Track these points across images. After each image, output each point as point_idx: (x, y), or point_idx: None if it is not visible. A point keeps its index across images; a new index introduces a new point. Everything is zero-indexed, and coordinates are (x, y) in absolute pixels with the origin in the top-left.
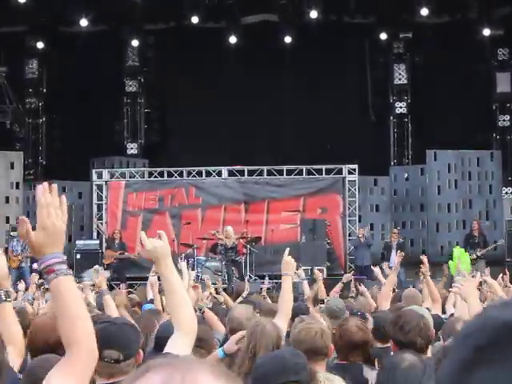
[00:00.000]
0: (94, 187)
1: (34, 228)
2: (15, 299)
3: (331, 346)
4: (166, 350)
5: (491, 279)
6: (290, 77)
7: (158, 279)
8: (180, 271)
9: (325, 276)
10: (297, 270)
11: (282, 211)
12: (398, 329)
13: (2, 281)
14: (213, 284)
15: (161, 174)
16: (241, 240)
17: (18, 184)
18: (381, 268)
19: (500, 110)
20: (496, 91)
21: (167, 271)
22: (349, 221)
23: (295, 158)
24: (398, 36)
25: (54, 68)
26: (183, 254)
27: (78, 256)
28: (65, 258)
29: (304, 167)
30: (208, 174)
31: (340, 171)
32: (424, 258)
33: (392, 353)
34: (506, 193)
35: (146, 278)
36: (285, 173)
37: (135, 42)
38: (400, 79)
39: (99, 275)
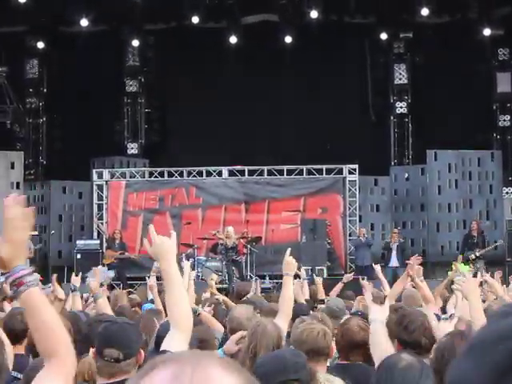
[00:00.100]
0: (95, 187)
1: None
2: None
3: (333, 346)
4: (163, 347)
5: (491, 279)
6: (290, 77)
7: (157, 279)
8: (182, 270)
9: (325, 276)
10: (299, 270)
11: (282, 211)
12: (402, 328)
13: None
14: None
15: (161, 174)
16: (241, 240)
17: (18, 184)
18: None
19: (500, 110)
20: (496, 91)
21: (170, 268)
22: (349, 221)
23: (295, 158)
24: (398, 36)
25: (55, 68)
26: (184, 254)
27: (79, 256)
28: (31, 269)
29: (304, 167)
30: (208, 173)
31: (340, 171)
32: (413, 261)
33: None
34: (507, 193)
35: (146, 278)
36: (285, 173)
37: (135, 42)
38: (400, 79)
39: (94, 279)
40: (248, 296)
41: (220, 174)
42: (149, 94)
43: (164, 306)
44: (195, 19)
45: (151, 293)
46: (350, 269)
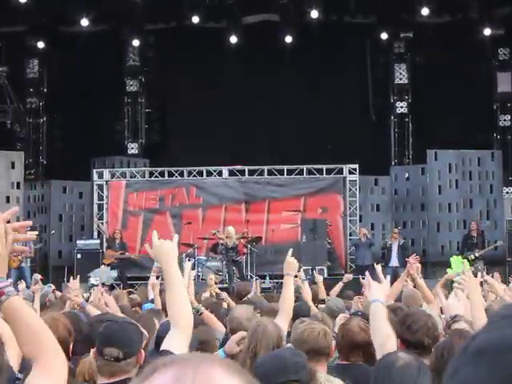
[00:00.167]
0: (95, 187)
1: None
2: None
3: (333, 346)
4: (163, 347)
5: (492, 279)
6: (290, 77)
7: (157, 278)
8: (183, 270)
9: (325, 276)
10: (298, 271)
11: (282, 211)
12: (405, 328)
13: None
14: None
15: (161, 174)
16: (241, 240)
17: (18, 184)
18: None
19: (501, 110)
20: (497, 91)
21: (171, 270)
22: (349, 221)
23: (296, 158)
24: (398, 36)
25: (55, 68)
26: (184, 254)
27: (79, 256)
28: (11, 280)
29: (305, 167)
30: (209, 173)
31: (341, 171)
32: (411, 260)
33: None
34: (507, 192)
35: (146, 278)
36: (285, 172)
37: (136, 42)
38: (401, 79)
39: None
40: (248, 296)
41: (220, 173)
42: (149, 93)
43: (164, 306)
44: (195, 19)
45: (152, 292)
46: (351, 269)
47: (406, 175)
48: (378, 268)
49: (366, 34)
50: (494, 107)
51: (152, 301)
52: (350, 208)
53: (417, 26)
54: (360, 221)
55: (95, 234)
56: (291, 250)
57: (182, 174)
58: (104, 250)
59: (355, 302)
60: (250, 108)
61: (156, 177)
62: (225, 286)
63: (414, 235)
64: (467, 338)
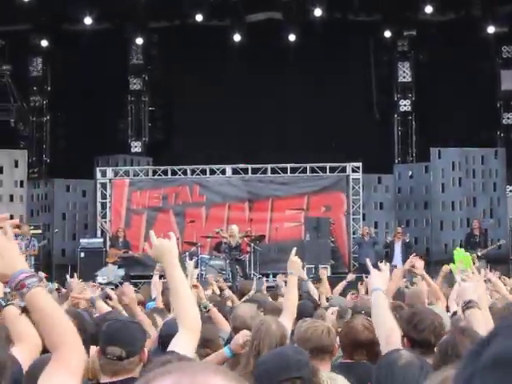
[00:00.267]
0: (98, 185)
1: None
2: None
3: (336, 344)
4: (170, 348)
5: (495, 278)
6: (294, 75)
7: (160, 277)
8: (185, 270)
9: (329, 274)
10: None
11: (286, 209)
12: (412, 327)
13: None
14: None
15: (165, 173)
16: (245, 238)
17: (22, 182)
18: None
19: (504, 108)
20: (500, 89)
21: (173, 270)
22: (353, 219)
23: (299, 156)
24: (402, 34)
25: (58, 66)
26: (187, 253)
27: (82, 254)
28: (32, 271)
29: (308, 165)
30: (212, 172)
31: (344, 169)
32: (417, 261)
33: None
34: (511, 191)
35: (150, 277)
36: (289, 171)
37: (139, 40)
38: (404, 77)
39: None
40: (249, 294)
41: (223, 172)
42: (152, 92)
43: (167, 304)
44: (199, 17)
45: (155, 290)
46: (354, 267)
47: (410, 173)
48: (383, 266)
49: (369, 32)
50: (498, 105)
51: (155, 299)
52: (353, 206)
53: (420, 24)
54: (363, 219)
55: (98, 232)
56: (295, 248)
57: (185, 173)
58: (107, 249)
59: (349, 300)
60: (254, 106)
61: (159, 175)
62: (228, 284)
63: (418, 233)
64: (471, 335)
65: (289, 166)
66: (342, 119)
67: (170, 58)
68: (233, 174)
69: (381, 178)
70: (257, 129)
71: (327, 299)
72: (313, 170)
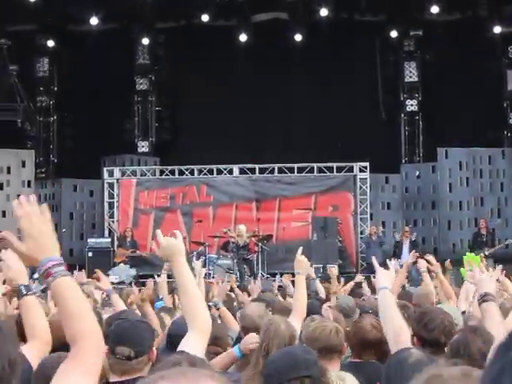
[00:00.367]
0: (106, 185)
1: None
2: None
3: (345, 343)
4: (180, 348)
5: (503, 277)
6: (300, 75)
7: (168, 277)
8: (193, 269)
9: (336, 274)
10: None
11: (293, 209)
12: (422, 326)
13: (19, 276)
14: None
15: (172, 172)
16: (252, 238)
17: (29, 182)
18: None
19: (511, 108)
20: (507, 89)
21: (181, 269)
22: (360, 219)
23: (306, 156)
24: (408, 34)
25: (65, 66)
26: (195, 252)
27: (90, 254)
28: (61, 260)
29: (315, 165)
30: (219, 172)
31: (351, 169)
32: (431, 258)
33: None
34: None
35: (157, 277)
36: (296, 171)
37: (146, 41)
38: (411, 77)
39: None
40: (254, 295)
41: (231, 172)
42: (159, 92)
43: (175, 304)
44: (205, 17)
45: (160, 291)
46: (362, 267)
47: (417, 173)
48: (390, 263)
49: (375, 32)
50: (504, 105)
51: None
52: (360, 206)
53: (426, 24)
54: (371, 219)
55: (106, 232)
56: (301, 248)
57: (192, 173)
58: (115, 249)
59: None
60: (261, 106)
61: (166, 175)
62: (236, 284)
63: (425, 233)
64: (483, 334)
65: (296, 165)
66: (348, 119)
67: (177, 58)
68: (240, 173)
69: (388, 178)
70: (263, 129)
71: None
72: (320, 170)
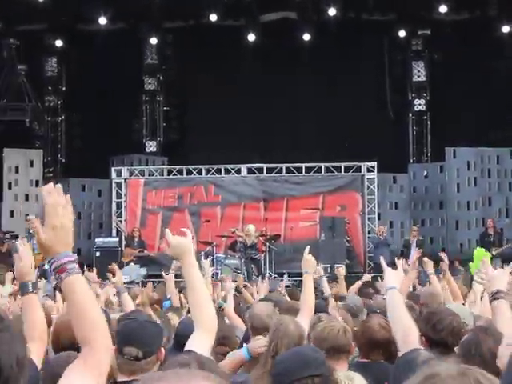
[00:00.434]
0: (113, 185)
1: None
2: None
3: (353, 343)
4: (187, 347)
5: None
6: (308, 74)
7: (176, 277)
8: (202, 269)
9: (344, 274)
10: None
11: (300, 209)
12: (430, 327)
13: (27, 273)
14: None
15: (180, 172)
16: (260, 238)
17: (37, 182)
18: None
19: None
20: None
21: (190, 268)
22: (368, 218)
23: (314, 156)
24: (416, 33)
25: (73, 66)
26: (202, 252)
27: (98, 254)
28: (76, 256)
29: (323, 165)
30: (227, 171)
31: (359, 169)
32: (443, 255)
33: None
34: None
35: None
36: (304, 170)
37: (154, 40)
38: (419, 76)
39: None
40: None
41: (238, 171)
42: (167, 91)
43: (182, 303)
44: (213, 17)
45: (168, 290)
46: (369, 267)
47: (425, 173)
48: (398, 262)
49: (383, 31)
50: None
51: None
52: (368, 206)
53: (435, 23)
54: (378, 219)
55: (114, 231)
56: (308, 247)
57: (200, 172)
58: (123, 248)
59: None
60: (268, 105)
61: (174, 175)
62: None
63: (433, 233)
64: (494, 334)
65: (304, 165)
66: (356, 119)
67: (185, 57)
68: (248, 173)
69: (396, 178)
70: (271, 128)
71: (343, 298)
72: (328, 170)
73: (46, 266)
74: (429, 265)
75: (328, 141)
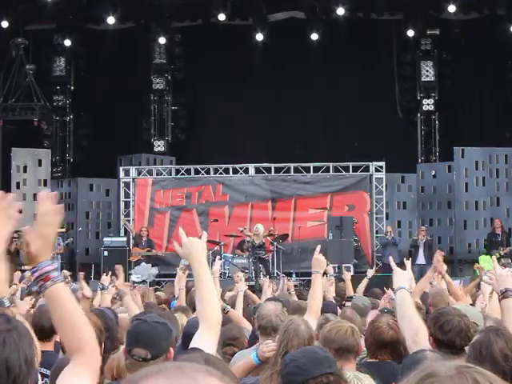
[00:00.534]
0: (122, 184)
1: None
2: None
3: (361, 343)
4: (192, 345)
5: None
6: (316, 74)
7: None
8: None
9: (352, 273)
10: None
11: (309, 208)
12: (438, 328)
13: (2, 288)
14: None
15: (188, 172)
16: (268, 237)
17: (45, 181)
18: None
19: None
20: None
21: (201, 268)
22: (376, 218)
23: (322, 155)
24: (425, 33)
25: (82, 66)
26: (210, 252)
27: (106, 253)
28: (56, 265)
29: (331, 164)
30: (235, 171)
31: (367, 168)
32: (439, 256)
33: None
34: None
35: (173, 276)
36: (312, 170)
37: (162, 40)
38: (427, 76)
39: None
40: (274, 294)
41: (246, 171)
42: (176, 91)
43: (191, 304)
44: (222, 17)
45: (177, 287)
46: (377, 266)
47: (433, 173)
48: (408, 262)
49: (392, 31)
50: None
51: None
52: (376, 206)
53: (444, 23)
54: (386, 218)
55: (122, 231)
56: (319, 246)
57: (208, 172)
58: (131, 248)
59: (384, 300)
60: (277, 105)
61: (182, 174)
62: (251, 283)
63: (441, 233)
64: (505, 335)
65: (312, 165)
66: (364, 118)
67: (193, 57)
68: (256, 173)
69: (404, 178)
70: (279, 128)
71: (351, 298)
72: (336, 169)
73: (27, 274)
74: (442, 266)
75: (336, 140)
